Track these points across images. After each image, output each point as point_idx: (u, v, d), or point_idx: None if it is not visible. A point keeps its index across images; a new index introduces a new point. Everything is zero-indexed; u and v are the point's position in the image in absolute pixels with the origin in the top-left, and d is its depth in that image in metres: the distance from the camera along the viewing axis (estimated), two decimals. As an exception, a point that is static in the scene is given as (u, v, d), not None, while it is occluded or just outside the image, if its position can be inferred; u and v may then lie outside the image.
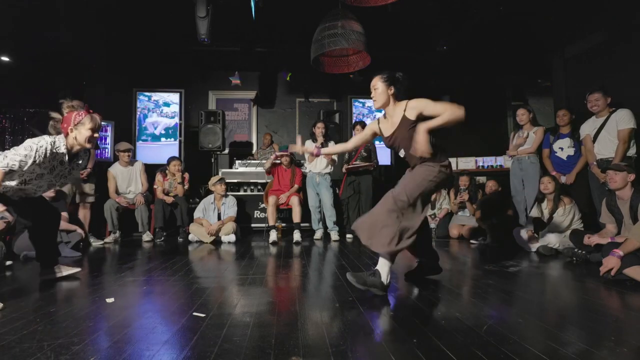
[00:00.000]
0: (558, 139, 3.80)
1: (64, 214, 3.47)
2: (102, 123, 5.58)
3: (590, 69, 4.38)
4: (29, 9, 3.88)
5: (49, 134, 2.11)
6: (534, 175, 3.79)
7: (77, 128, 2.10)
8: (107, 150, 5.25)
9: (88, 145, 2.13)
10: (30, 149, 1.96)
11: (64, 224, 3.38)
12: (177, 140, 5.74)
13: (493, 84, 6.18)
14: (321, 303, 1.88)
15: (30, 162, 1.96)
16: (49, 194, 3.39)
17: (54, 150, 2.05)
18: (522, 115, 3.93)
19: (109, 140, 5.28)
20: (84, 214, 4.01)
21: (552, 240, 3.21)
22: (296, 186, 4.45)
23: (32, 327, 1.52)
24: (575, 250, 2.89)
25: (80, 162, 2.32)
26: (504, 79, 6.12)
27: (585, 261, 2.80)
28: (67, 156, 2.13)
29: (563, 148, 3.75)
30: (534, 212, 3.50)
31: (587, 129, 3.44)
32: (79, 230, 3.48)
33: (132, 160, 4.52)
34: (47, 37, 4.48)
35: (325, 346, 1.31)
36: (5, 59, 4.20)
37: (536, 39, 5.15)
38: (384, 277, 1.94)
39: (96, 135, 2.16)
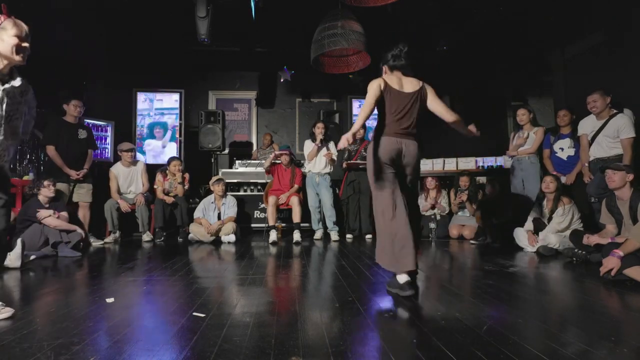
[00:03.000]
0: (559, 139, 3.80)
1: (64, 214, 3.47)
2: (102, 123, 5.53)
3: (591, 69, 4.37)
4: (29, 8, 3.89)
5: None
6: (534, 176, 3.79)
7: None
8: (107, 150, 5.25)
9: (17, 59, 1.62)
10: None
11: (64, 224, 3.38)
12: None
13: (493, 84, 6.18)
14: (321, 303, 1.88)
15: None
16: (48, 193, 3.39)
17: None
18: (522, 115, 3.92)
19: (108, 140, 5.28)
20: (83, 213, 4.01)
21: (552, 240, 3.21)
22: (296, 186, 4.45)
23: (31, 327, 1.52)
24: (575, 250, 2.89)
25: (24, 93, 1.74)
26: (503, 79, 6.12)
27: (585, 261, 2.80)
28: None
29: (563, 148, 3.75)
30: (534, 212, 3.50)
31: (586, 128, 3.43)
32: (79, 230, 3.47)
33: (134, 160, 4.52)
34: (47, 37, 4.47)
35: (325, 346, 1.31)
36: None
37: (536, 39, 5.15)
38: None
39: (25, 44, 1.63)
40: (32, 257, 3.03)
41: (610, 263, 2.18)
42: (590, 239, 2.72)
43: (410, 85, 2.09)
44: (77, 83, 5.24)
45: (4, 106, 1.65)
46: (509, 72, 5.96)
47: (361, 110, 2.02)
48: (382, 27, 4.73)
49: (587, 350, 1.27)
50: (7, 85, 1.65)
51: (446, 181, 4.90)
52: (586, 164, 3.40)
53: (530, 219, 3.51)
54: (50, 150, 3.83)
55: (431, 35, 5.15)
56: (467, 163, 4.98)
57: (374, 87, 2.02)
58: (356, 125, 2.07)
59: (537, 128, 3.90)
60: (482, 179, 4.80)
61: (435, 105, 2.14)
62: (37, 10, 4.05)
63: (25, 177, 4.08)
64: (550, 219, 3.34)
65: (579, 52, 4.59)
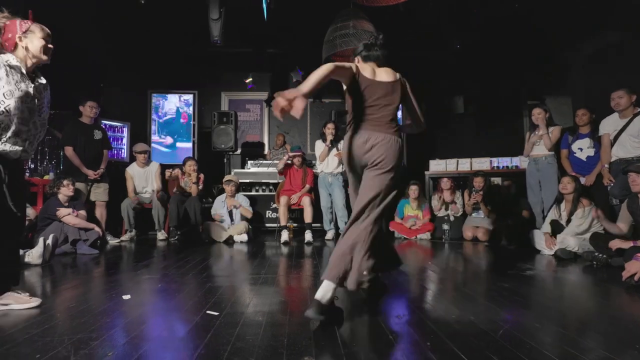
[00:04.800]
0: (577, 139, 3.70)
1: (82, 212, 3.56)
2: (118, 124, 5.65)
3: (611, 67, 4.25)
4: (47, 12, 4.01)
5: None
6: (552, 176, 3.71)
7: (27, 36, 1.76)
8: (123, 150, 5.36)
9: (44, 58, 1.81)
10: None
11: (82, 222, 3.47)
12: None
13: (508, 83, 6.06)
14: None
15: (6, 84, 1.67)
16: (68, 192, 3.48)
17: (6, 64, 1.70)
18: (537, 114, 3.84)
19: (124, 141, 5.39)
20: (100, 212, 4.11)
21: (570, 243, 3.12)
22: (307, 186, 4.46)
23: (53, 321, 1.56)
24: (596, 254, 2.81)
25: (45, 89, 1.90)
26: (519, 78, 6.00)
27: (606, 265, 2.71)
28: (24, 70, 1.77)
29: (582, 149, 3.65)
30: (552, 214, 3.42)
31: (608, 127, 3.33)
32: (97, 229, 3.56)
33: (148, 161, 4.61)
34: (65, 41, 4.61)
35: (338, 347, 1.30)
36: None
37: (553, 36, 5.02)
38: None
39: (50, 45, 1.83)
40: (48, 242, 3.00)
41: (634, 267, 2.11)
42: (612, 243, 2.64)
43: (385, 74, 1.82)
44: (93, 85, 5.37)
45: (36, 101, 1.82)
46: (525, 71, 5.84)
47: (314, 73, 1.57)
48: (394, 26, 4.69)
49: (609, 357, 1.23)
50: (36, 83, 1.83)
51: (460, 182, 4.84)
52: (606, 165, 3.30)
53: (547, 220, 3.42)
54: (69, 151, 3.95)
55: (444, 34, 5.09)
56: (482, 163, 4.90)
57: (346, 66, 1.71)
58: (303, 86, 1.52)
59: (554, 127, 3.81)
60: (497, 180, 4.72)
61: (408, 101, 1.88)
62: (57, 13, 4.18)
63: (46, 177, 4.20)
64: (568, 221, 3.26)
65: (598, 49, 4.46)
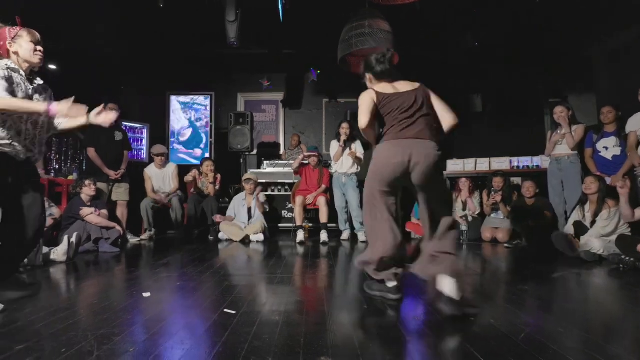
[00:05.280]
0: (602, 137, 3.57)
1: (104, 211, 3.67)
2: (138, 125, 5.79)
3: (637, 62, 4.07)
4: (72, 18, 4.15)
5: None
6: (575, 176, 3.59)
7: (16, 41, 1.83)
8: (142, 151, 5.50)
9: (35, 61, 1.86)
10: None
11: (104, 221, 3.58)
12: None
13: (528, 81, 5.90)
14: (349, 304, 1.87)
15: (2, 77, 1.74)
16: (90, 192, 3.59)
17: (7, 66, 1.79)
18: (560, 113, 3.72)
19: (144, 142, 5.53)
20: (121, 212, 4.23)
21: (595, 245, 3.01)
22: (323, 186, 4.46)
23: (77, 317, 1.61)
24: (623, 256, 2.70)
25: (45, 94, 1.97)
26: (540, 75, 5.83)
27: (633, 269, 2.60)
28: (22, 73, 1.86)
29: (608, 147, 3.51)
30: (575, 215, 3.31)
31: (636, 124, 3.20)
32: (118, 228, 3.66)
33: (166, 163, 4.71)
34: (87, 45, 4.76)
35: (354, 348, 1.30)
36: (52, 67, 4.51)
37: (576, 31, 4.86)
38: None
39: (39, 48, 1.88)
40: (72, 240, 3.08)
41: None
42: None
43: (404, 86, 1.87)
44: (115, 88, 5.53)
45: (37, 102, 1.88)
46: (546, 67, 5.67)
47: (362, 128, 1.86)
48: (411, 25, 4.63)
49: (638, 364, 1.18)
50: (35, 85, 1.93)
51: (478, 182, 4.74)
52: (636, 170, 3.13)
53: (570, 222, 3.31)
54: (91, 152, 4.08)
55: (462, 31, 4.99)
56: (501, 163, 4.79)
57: (366, 99, 1.85)
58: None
59: (577, 126, 3.69)
60: (517, 180, 4.60)
61: (437, 104, 1.89)
62: (79, 19, 4.32)
63: (70, 177, 4.36)
64: (593, 222, 3.14)
65: (623, 44, 4.29)
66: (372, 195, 1.88)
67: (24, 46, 1.84)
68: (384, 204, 1.85)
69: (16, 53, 1.84)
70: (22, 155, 1.85)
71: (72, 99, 1.83)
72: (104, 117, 1.94)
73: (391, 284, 1.88)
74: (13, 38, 1.83)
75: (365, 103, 1.86)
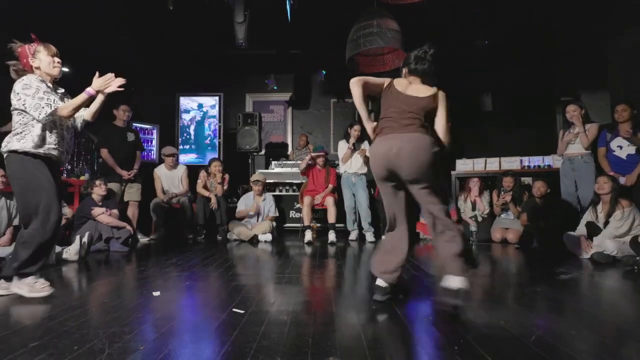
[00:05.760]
0: (616, 136, 3.49)
1: (115, 211, 3.73)
2: (147, 126, 5.87)
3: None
4: (82, 20, 4.22)
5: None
6: (589, 176, 3.52)
7: (36, 57, 1.99)
8: (152, 152, 5.56)
9: (55, 72, 2.04)
10: (29, 86, 1.91)
11: (115, 221, 3.63)
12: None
13: (539, 78, 5.81)
14: (357, 305, 1.87)
15: (44, 94, 1.92)
16: (100, 192, 3.65)
17: (39, 78, 1.97)
18: (572, 112, 3.65)
19: (154, 142, 5.60)
20: (132, 212, 4.28)
21: (608, 246, 2.95)
22: (331, 186, 4.45)
23: (88, 315, 1.64)
24: (637, 258, 2.64)
25: (67, 97, 2.13)
26: (552, 72, 5.73)
27: (648, 270, 2.55)
28: (49, 84, 2.02)
29: (622, 146, 3.44)
30: (588, 216, 3.24)
31: None
32: (128, 227, 3.71)
33: (176, 164, 4.76)
34: (99, 48, 4.83)
35: (363, 348, 1.29)
36: (65, 69, 4.60)
37: (589, 26, 4.75)
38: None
39: (57, 60, 2.05)
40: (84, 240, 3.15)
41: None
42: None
43: (416, 90, 1.84)
44: (126, 89, 5.60)
45: None
46: (558, 65, 5.57)
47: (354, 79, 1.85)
48: (419, 24, 4.60)
49: (653, 368, 1.15)
50: (59, 94, 2.08)
51: (488, 182, 4.68)
52: None
53: (583, 222, 3.25)
54: (104, 152, 4.14)
55: (471, 28, 4.93)
56: (511, 163, 4.72)
57: (377, 82, 1.90)
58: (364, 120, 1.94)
59: (590, 125, 3.62)
60: (527, 180, 4.53)
61: (439, 119, 1.85)
62: (91, 23, 4.40)
63: (82, 177, 4.43)
64: (606, 223, 3.08)
65: (639, 41, 4.19)
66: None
67: (44, 60, 2.01)
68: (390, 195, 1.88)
69: (38, 68, 2.01)
70: (62, 158, 2.09)
71: (97, 74, 2.06)
72: (102, 80, 2.05)
73: (382, 283, 1.85)
74: (33, 54, 1.99)
75: (377, 80, 1.91)
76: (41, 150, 1.96)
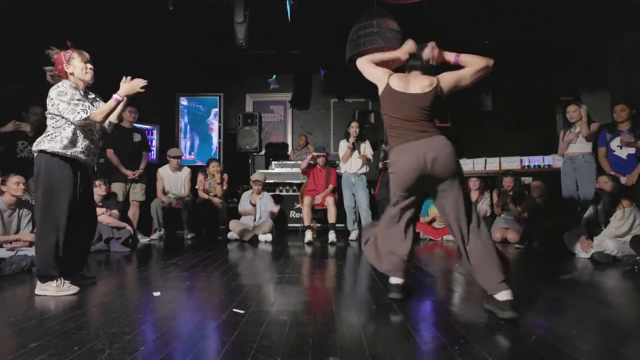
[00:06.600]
0: (616, 136, 3.49)
1: (115, 212, 3.73)
2: (148, 126, 5.86)
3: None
4: (84, 20, 4.22)
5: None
6: (590, 176, 3.52)
7: (70, 63, 2.08)
8: (152, 152, 5.56)
9: (87, 78, 2.13)
10: (65, 93, 1.99)
11: (115, 221, 3.63)
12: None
13: (540, 78, 5.80)
14: (357, 305, 1.87)
15: (78, 101, 2.01)
16: (100, 192, 3.65)
17: (72, 85, 2.07)
18: (572, 112, 3.66)
19: (154, 142, 5.60)
20: (133, 212, 4.29)
21: (609, 246, 2.95)
22: (331, 186, 4.45)
23: (89, 316, 1.64)
24: (637, 257, 2.64)
25: (97, 102, 2.23)
26: (552, 72, 5.73)
27: (648, 270, 2.55)
28: (81, 90, 2.12)
29: (622, 146, 3.44)
30: (589, 216, 3.24)
31: None
32: (129, 228, 3.71)
33: (180, 166, 4.75)
34: (103, 50, 4.84)
35: (363, 348, 1.29)
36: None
37: (589, 26, 4.75)
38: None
39: (90, 66, 2.14)
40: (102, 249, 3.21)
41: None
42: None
43: (418, 85, 1.78)
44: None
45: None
46: (558, 65, 5.57)
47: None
48: (419, 24, 4.60)
49: (654, 368, 1.15)
50: (89, 99, 2.18)
51: (488, 182, 4.68)
52: None
53: (583, 222, 3.25)
54: (110, 153, 4.15)
55: (471, 28, 4.93)
56: (512, 163, 4.73)
57: (381, 74, 1.87)
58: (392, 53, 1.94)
59: (591, 124, 3.62)
60: (527, 179, 4.54)
61: (456, 81, 1.80)
62: (95, 26, 4.40)
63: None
64: (607, 222, 3.08)
65: (638, 41, 4.18)
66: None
67: (77, 66, 2.10)
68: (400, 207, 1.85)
69: (72, 74, 2.10)
70: (89, 161, 2.19)
71: (124, 79, 2.13)
72: (130, 85, 2.13)
73: (394, 280, 1.88)
74: (67, 61, 2.08)
75: (380, 72, 1.89)
76: (68, 152, 2.04)
